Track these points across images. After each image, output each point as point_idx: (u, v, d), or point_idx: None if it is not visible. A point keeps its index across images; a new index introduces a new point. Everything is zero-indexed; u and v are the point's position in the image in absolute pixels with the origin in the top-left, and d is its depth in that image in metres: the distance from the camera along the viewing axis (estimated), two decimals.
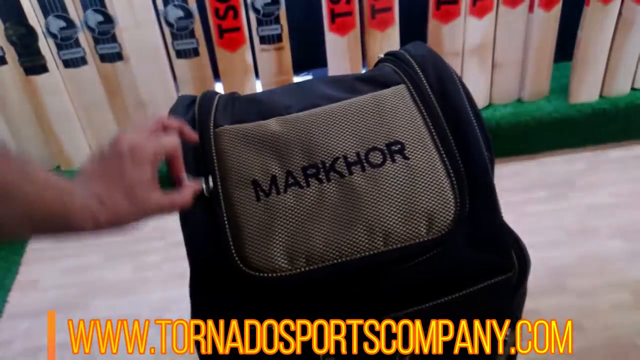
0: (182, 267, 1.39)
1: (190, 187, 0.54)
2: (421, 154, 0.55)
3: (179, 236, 0.57)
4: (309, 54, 1.44)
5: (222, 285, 0.54)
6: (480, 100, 1.44)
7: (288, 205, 0.54)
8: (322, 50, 1.33)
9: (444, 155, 0.56)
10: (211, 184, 0.56)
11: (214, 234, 0.54)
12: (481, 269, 0.55)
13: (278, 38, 1.27)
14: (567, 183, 1.41)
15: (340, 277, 0.53)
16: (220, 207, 0.54)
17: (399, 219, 0.53)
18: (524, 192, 1.39)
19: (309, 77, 1.52)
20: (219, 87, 1.33)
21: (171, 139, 0.51)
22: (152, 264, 1.29)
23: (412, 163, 0.55)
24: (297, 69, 1.37)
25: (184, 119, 0.59)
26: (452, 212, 0.53)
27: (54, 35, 1.20)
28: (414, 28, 1.35)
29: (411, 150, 0.55)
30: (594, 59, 1.39)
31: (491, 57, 1.39)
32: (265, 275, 0.52)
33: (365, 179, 0.54)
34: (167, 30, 1.22)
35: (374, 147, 0.56)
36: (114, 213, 0.45)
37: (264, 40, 1.27)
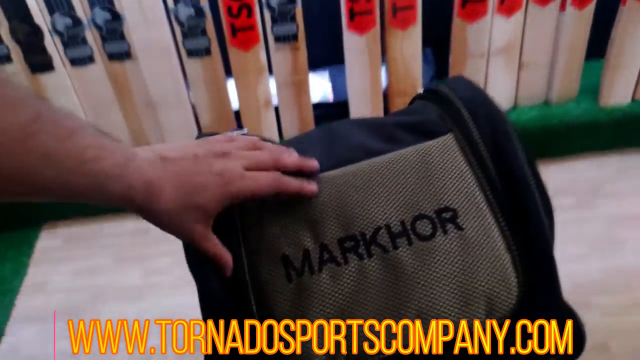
0: None
1: (230, 258, 0.48)
2: (477, 222, 0.47)
3: None
4: (325, 50, 1.38)
5: None
6: (505, 102, 1.37)
7: (324, 288, 0.47)
8: (339, 47, 1.27)
9: (503, 224, 0.47)
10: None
11: (238, 318, 0.48)
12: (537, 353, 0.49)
13: (294, 37, 1.21)
14: (595, 190, 1.35)
15: None
16: (247, 291, 0.48)
17: (454, 304, 0.45)
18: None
19: (325, 73, 1.46)
20: (232, 86, 1.28)
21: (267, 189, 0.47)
22: (162, 268, 1.26)
23: (466, 234, 0.47)
24: (313, 66, 1.32)
25: None
26: (515, 293, 0.46)
27: (60, 34, 1.15)
28: (436, 27, 1.28)
29: (465, 218, 0.47)
30: (628, 60, 1.32)
31: (518, 58, 1.32)
32: None
33: (412, 255, 0.46)
34: (177, 28, 1.17)
35: (421, 214, 0.48)
36: (156, 212, 0.43)
37: (279, 39, 1.22)
